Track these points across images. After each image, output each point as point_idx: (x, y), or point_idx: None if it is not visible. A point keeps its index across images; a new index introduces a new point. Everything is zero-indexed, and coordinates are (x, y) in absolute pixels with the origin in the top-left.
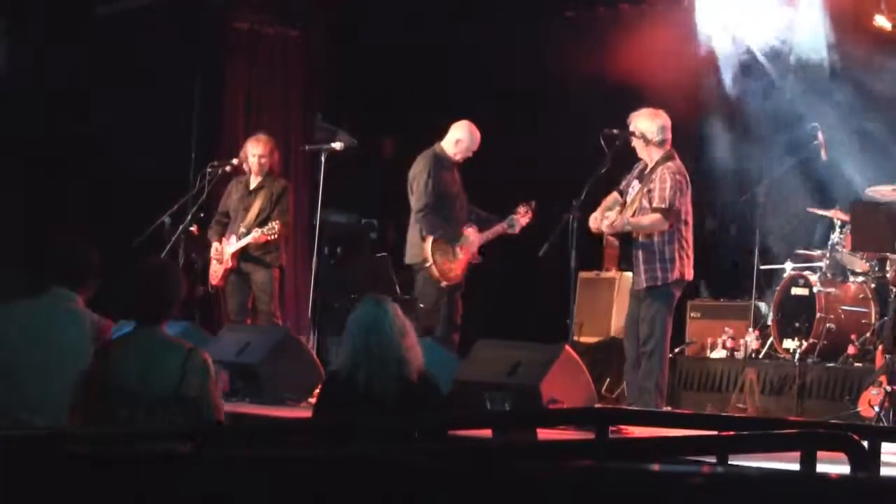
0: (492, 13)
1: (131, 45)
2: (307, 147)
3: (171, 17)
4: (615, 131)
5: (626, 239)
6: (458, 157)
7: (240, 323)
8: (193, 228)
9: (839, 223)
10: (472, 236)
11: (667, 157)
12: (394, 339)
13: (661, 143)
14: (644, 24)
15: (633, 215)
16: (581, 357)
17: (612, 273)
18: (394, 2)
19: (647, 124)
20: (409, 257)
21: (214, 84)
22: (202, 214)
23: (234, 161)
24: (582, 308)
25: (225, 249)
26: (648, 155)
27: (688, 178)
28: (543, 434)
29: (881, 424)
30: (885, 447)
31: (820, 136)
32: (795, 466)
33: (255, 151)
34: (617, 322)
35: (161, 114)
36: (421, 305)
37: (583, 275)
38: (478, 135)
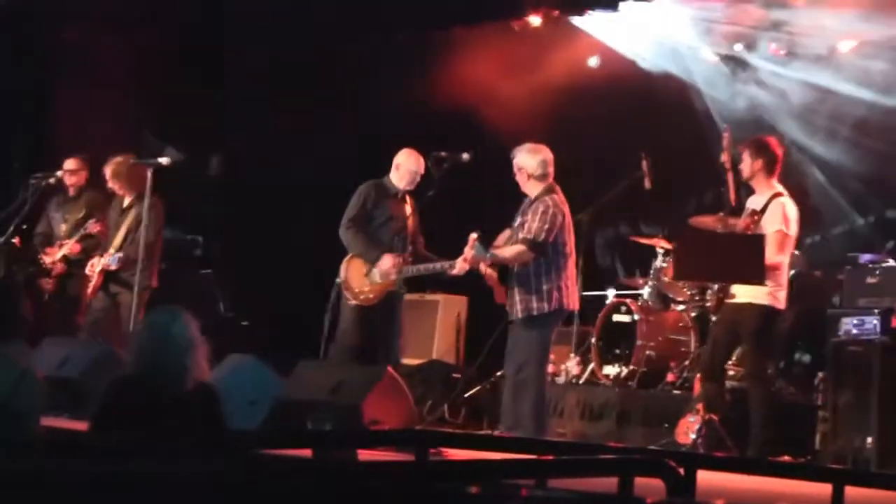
0: (321, 35)
1: None
2: (134, 161)
3: None
4: (443, 154)
5: (504, 271)
6: (402, 185)
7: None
8: (16, 240)
9: (662, 251)
10: (387, 263)
11: (547, 191)
12: (183, 350)
13: (541, 178)
14: (476, 48)
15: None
16: (403, 378)
17: (436, 296)
18: (223, 21)
19: (527, 159)
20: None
21: (41, 95)
22: (24, 226)
23: (59, 173)
24: (405, 329)
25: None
26: (529, 189)
27: (565, 212)
28: (364, 455)
29: (698, 452)
30: (701, 474)
31: (645, 164)
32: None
33: (66, 168)
34: (440, 344)
35: None
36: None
37: (407, 296)
38: (417, 160)
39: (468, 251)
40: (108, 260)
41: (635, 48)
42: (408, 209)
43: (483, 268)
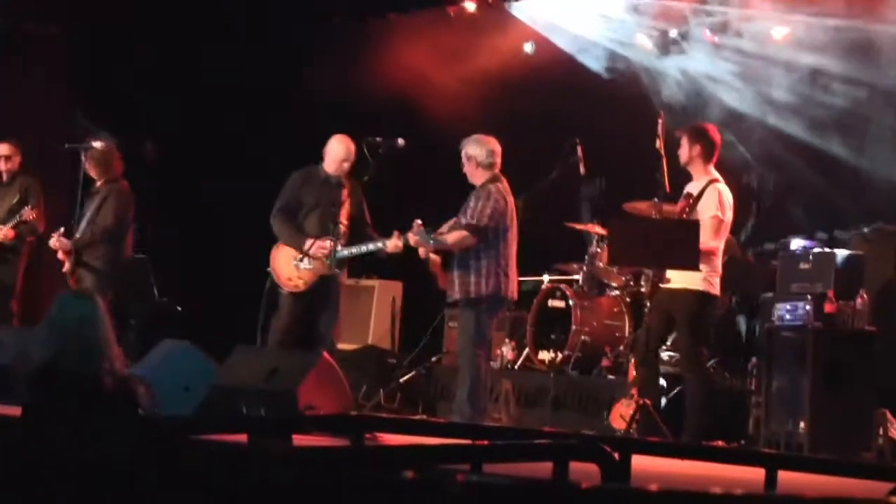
0: (257, 21)
1: None
2: (66, 145)
3: None
4: (378, 139)
5: (448, 257)
6: (332, 170)
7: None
8: None
9: (596, 237)
10: (318, 249)
11: (492, 180)
12: (101, 336)
13: (488, 167)
14: (412, 35)
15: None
16: (339, 364)
17: (372, 281)
18: (157, 4)
19: (477, 149)
20: None
21: None
22: None
23: None
24: (341, 315)
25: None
26: (476, 178)
27: (508, 200)
28: (299, 440)
29: (632, 437)
30: (636, 459)
31: (579, 150)
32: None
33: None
34: (375, 330)
35: None
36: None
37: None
38: (343, 146)
39: (411, 236)
40: (60, 243)
41: (569, 34)
42: (343, 194)
43: (423, 252)
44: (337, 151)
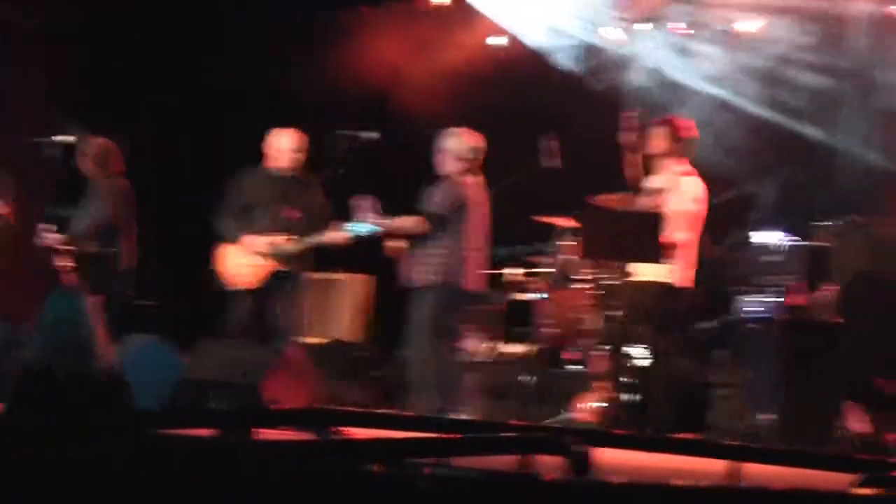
0: (225, 13)
1: None
2: (39, 140)
3: None
4: (350, 133)
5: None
6: (283, 164)
7: None
8: None
9: (566, 230)
10: (253, 245)
11: (462, 172)
12: (90, 334)
13: (466, 161)
14: (382, 27)
15: None
16: (307, 358)
17: (340, 275)
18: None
19: (459, 142)
20: None
21: None
22: None
23: None
24: (308, 309)
25: None
26: (450, 167)
27: (472, 193)
28: (265, 434)
29: (598, 429)
30: (601, 452)
31: (552, 143)
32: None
33: None
34: (344, 324)
35: None
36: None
37: (311, 276)
38: (291, 136)
39: (366, 214)
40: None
41: (539, 27)
42: (295, 188)
43: (392, 245)
44: (285, 143)
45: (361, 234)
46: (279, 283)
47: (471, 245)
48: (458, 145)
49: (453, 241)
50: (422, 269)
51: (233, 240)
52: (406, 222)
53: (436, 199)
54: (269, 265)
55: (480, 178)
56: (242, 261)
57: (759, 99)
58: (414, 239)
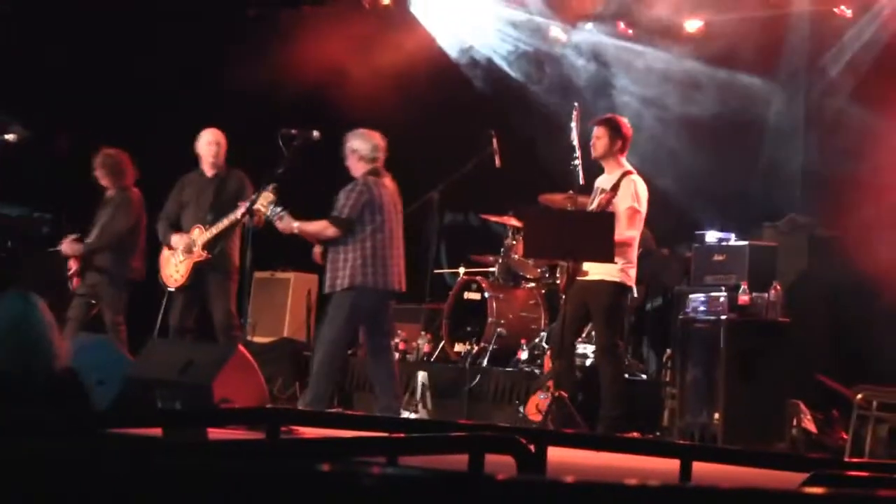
0: (171, 11)
1: None
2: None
3: None
4: (293, 131)
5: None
6: (207, 160)
7: None
8: None
9: (512, 229)
10: (177, 240)
11: (369, 173)
12: (43, 333)
13: (370, 161)
14: (324, 27)
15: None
16: (254, 357)
17: (287, 274)
18: None
19: (361, 143)
20: None
21: None
22: None
23: None
24: (256, 308)
25: None
26: (356, 170)
27: (377, 193)
28: (214, 433)
29: (548, 429)
30: (552, 451)
31: (494, 142)
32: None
33: None
34: (290, 322)
35: None
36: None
37: (258, 275)
38: (207, 138)
39: (262, 202)
40: (72, 248)
41: (480, 26)
42: (214, 183)
43: (281, 227)
44: (202, 141)
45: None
46: (203, 277)
47: (383, 245)
48: (360, 146)
49: (367, 244)
50: (337, 275)
51: (165, 242)
52: (313, 225)
53: (341, 202)
54: (191, 258)
55: (389, 178)
56: (173, 261)
57: (696, 102)
58: (325, 243)
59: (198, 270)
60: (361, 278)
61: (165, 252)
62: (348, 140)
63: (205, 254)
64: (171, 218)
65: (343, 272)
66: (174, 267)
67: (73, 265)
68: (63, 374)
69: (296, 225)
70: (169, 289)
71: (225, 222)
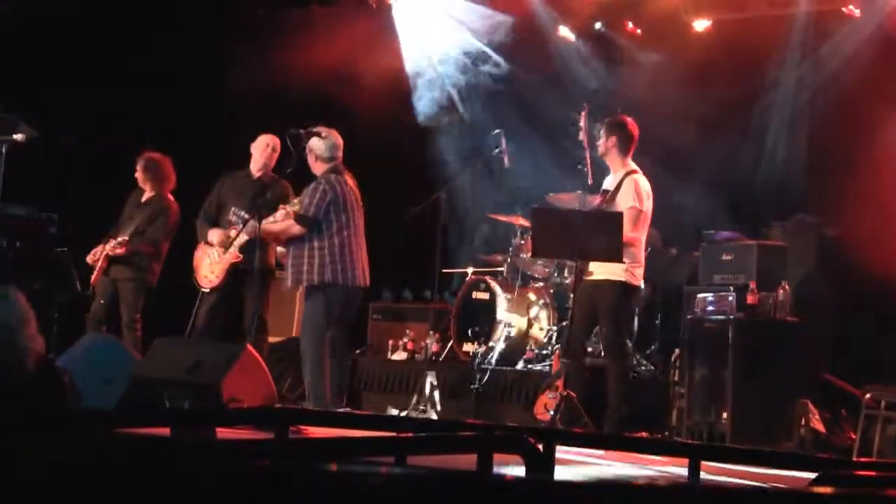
0: (179, 11)
1: None
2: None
3: None
4: (301, 131)
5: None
6: (255, 163)
7: None
8: None
9: (520, 229)
10: (214, 237)
11: (330, 171)
12: (16, 328)
13: (328, 160)
14: (335, 28)
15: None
16: (264, 356)
17: None
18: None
19: (317, 142)
20: None
21: None
22: None
23: None
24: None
25: None
26: (316, 169)
27: (341, 191)
28: (223, 433)
29: (556, 428)
30: (560, 450)
31: (503, 142)
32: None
33: None
34: (299, 322)
35: None
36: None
37: None
38: (265, 140)
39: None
40: (110, 246)
41: (488, 26)
42: (257, 188)
43: (246, 233)
44: (262, 140)
45: None
46: (239, 280)
47: (350, 242)
48: (316, 145)
49: (332, 241)
50: (302, 271)
51: (203, 238)
52: (277, 226)
53: (306, 201)
54: (227, 259)
55: (349, 175)
56: (207, 261)
57: (701, 97)
58: (287, 242)
59: (234, 272)
60: (331, 275)
61: (198, 253)
62: (306, 140)
63: (241, 256)
64: (209, 217)
65: (310, 268)
66: (209, 268)
67: (93, 261)
68: (41, 369)
69: (260, 225)
70: (203, 289)
71: (238, 233)
